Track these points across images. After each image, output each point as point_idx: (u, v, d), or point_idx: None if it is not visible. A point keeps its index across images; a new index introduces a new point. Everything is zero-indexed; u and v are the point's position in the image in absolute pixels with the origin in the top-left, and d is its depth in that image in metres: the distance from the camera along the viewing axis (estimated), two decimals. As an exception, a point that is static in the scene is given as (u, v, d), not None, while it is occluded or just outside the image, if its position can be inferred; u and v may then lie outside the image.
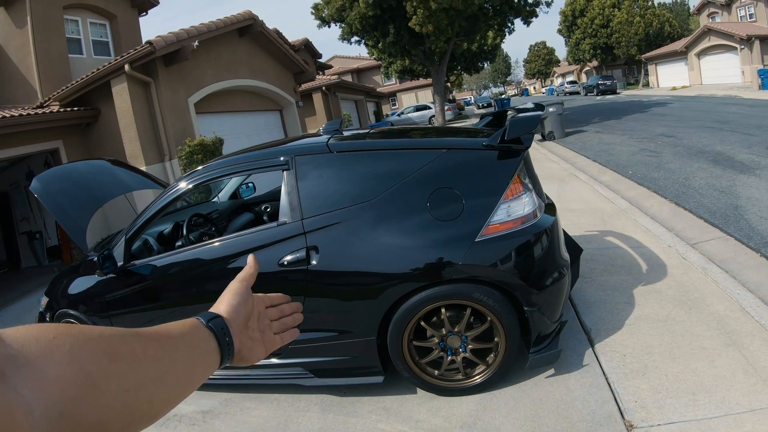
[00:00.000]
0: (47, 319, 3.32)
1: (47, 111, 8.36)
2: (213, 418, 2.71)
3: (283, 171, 2.44)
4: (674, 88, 27.39)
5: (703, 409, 2.00)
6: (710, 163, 6.72)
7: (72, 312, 3.16)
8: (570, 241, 2.99)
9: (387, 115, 28.37)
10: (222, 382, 2.84)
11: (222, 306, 0.66)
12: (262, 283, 2.61)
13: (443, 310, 2.27)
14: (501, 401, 2.31)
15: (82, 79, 8.76)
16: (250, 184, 4.47)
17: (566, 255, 2.45)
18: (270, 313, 0.73)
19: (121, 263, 2.83)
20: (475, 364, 2.37)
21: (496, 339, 2.30)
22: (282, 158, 2.46)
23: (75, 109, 8.88)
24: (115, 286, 2.89)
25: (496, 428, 2.15)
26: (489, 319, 2.25)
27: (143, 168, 7.91)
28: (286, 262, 2.35)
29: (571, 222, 4.80)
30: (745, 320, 2.60)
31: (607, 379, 2.31)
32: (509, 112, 2.60)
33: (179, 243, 3.26)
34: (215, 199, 4.46)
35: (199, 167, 2.76)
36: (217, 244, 2.58)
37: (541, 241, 2.26)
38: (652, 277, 3.31)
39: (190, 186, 2.66)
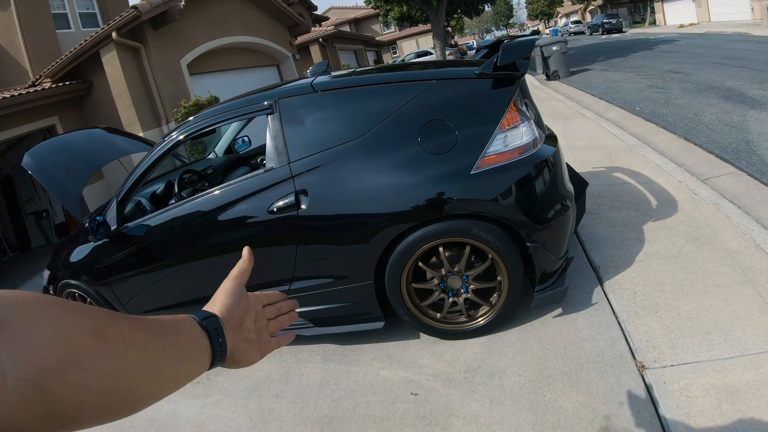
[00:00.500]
0: (51, 292, 3.29)
1: (39, 89, 8.25)
2: (216, 375, 2.69)
3: (267, 115, 2.31)
4: (681, 26, 26.19)
5: (717, 349, 1.91)
6: (720, 99, 6.42)
7: (74, 282, 3.13)
8: (575, 175, 2.84)
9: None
10: None
11: (216, 306, 0.63)
12: (254, 232, 2.45)
13: (441, 250, 2.16)
14: (507, 343, 2.24)
15: (71, 52, 8.60)
16: (246, 138, 4.32)
17: (570, 187, 2.30)
18: (267, 312, 0.71)
19: (115, 227, 2.75)
20: (478, 305, 2.29)
21: (498, 278, 2.20)
22: (266, 102, 2.32)
23: (67, 83, 8.76)
24: (112, 250, 2.84)
25: (502, 371, 2.08)
26: (490, 256, 2.14)
27: (141, 134, 7.81)
28: (276, 209, 2.22)
29: (577, 159, 4.64)
30: (759, 257, 2.47)
31: (617, 317, 2.22)
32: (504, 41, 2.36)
33: (172, 201, 3.14)
34: (210, 155, 4.27)
35: (185, 121, 2.61)
36: (205, 196, 2.46)
37: (542, 172, 2.12)
38: (662, 213, 3.17)
39: (180, 138, 2.53)
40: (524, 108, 2.19)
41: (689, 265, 2.50)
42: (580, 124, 6.29)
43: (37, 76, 9.18)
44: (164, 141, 2.59)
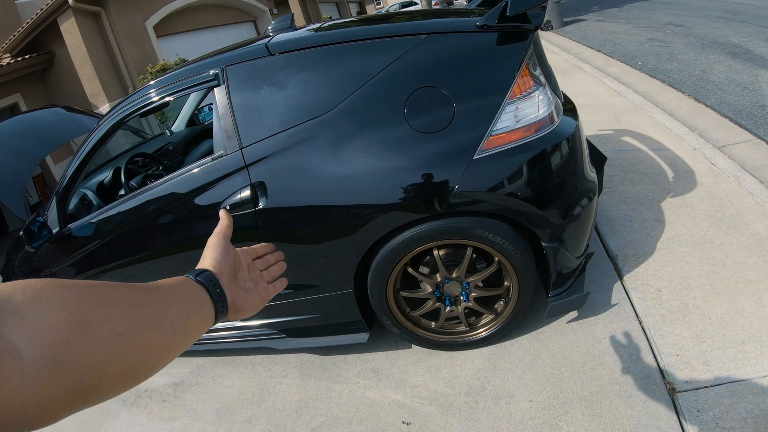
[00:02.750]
0: None
1: None
2: (184, 392, 2.35)
3: (213, 89, 1.83)
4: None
5: (754, 365, 1.59)
6: (727, 56, 5.95)
7: None
8: (593, 150, 2.40)
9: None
10: (191, 348, 2.42)
11: (207, 262, 0.64)
12: (209, 231, 1.98)
13: (436, 252, 1.76)
14: (514, 357, 1.90)
15: (28, 23, 7.99)
16: (212, 105, 3.75)
17: (593, 173, 1.89)
18: (257, 264, 0.73)
19: (57, 229, 2.33)
20: (481, 312, 1.93)
21: (506, 283, 1.84)
22: (211, 72, 1.85)
23: (26, 57, 8.16)
24: (59, 255, 2.41)
25: (509, 394, 1.75)
26: (497, 260, 1.76)
27: (107, 105, 7.16)
28: (229, 207, 1.78)
29: (580, 119, 4.19)
30: (790, 245, 2.15)
31: (641, 324, 1.88)
32: None
33: (121, 192, 2.69)
34: (167, 132, 3.75)
35: (120, 101, 2.12)
36: (150, 191, 2.04)
37: (561, 154, 1.67)
38: (681, 188, 2.80)
39: (113, 122, 2.07)
40: (537, 72, 1.74)
41: (717, 255, 2.17)
42: (580, 80, 5.80)
43: (-5, 53, 8.49)
44: (98, 126, 2.13)
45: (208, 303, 0.57)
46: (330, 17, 18.00)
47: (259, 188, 1.75)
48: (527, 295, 1.81)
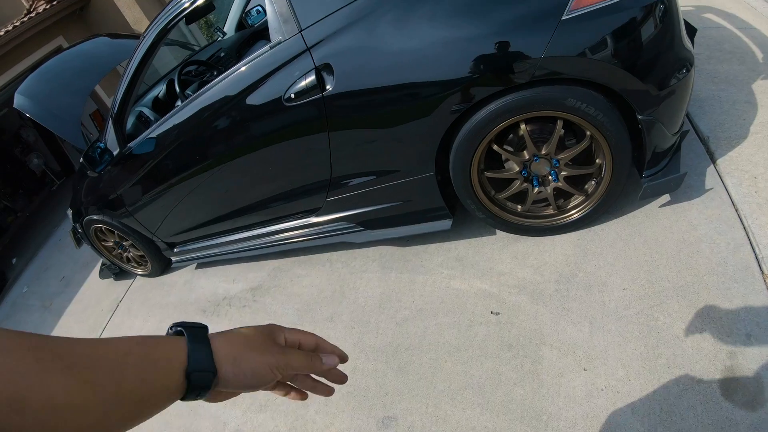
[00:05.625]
0: (80, 231, 3.14)
1: (34, 14, 7.67)
2: (263, 295, 2.41)
3: None
4: None
5: None
6: None
7: (96, 217, 2.88)
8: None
9: None
10: (266, 251, 2.46)
11: (229, 365, 0.47)
12: (273, 128, 1.80)
13: (523, 126, 1.60)
14: (605, 242, 1.75)
15: None
16: (260, 8, 3.57)
17: (689, 41, 1.62)
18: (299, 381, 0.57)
19: (117, 150, 2.35)
20: (570, 194, 1.78)
21: (598, 161, 1.67)
22: None
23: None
24: (123, 176, 2.46)
25: (602, 282, 1.62)
26: (589, 134, 1.59)
27: None
28: (293, 95, 1.68)
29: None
30: None
31: (737, 211, 1.65)
32: None
33: (178, 104, 2.66)
34: (219, 34, 3.64)
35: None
36: (205, 94, 1.96)
37: (656, 17, 1.42)
38: (771, 69, 2.42)
39: (159, 29, 1.98)
40: None
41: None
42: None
43: (30, 2, 8.34)
44: (143, 38, 2.04)
45: (174, 398, 0.44)
46: None
47: (324, 71, 1.62)
48: (621, 172, 1.65)
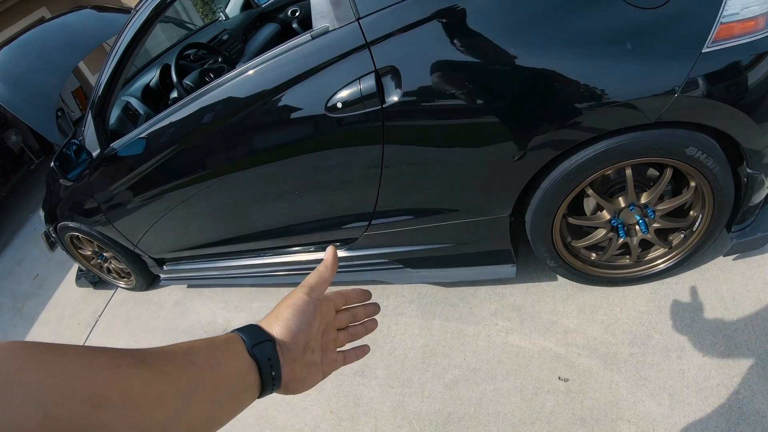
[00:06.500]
0: (53, 236, 2.66)
1: None
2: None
3: None
4: None
5: None
6: None
7: (72, 224, 2.42)
8: None
9: None
10: (277, 281, 2.08)
11: (277, 326, 0.46)
12: (307, 142, 1.35)
13: (629, 171, 1.30)
14: (681, 299, 1.50)
15: None
16: None
17: None
18: (339, 320, 0.54)
19: (97, 151, 1.93)
20: (651, 244, 1.52)
21: (693, 213, 1.41)
22: None
23: None
24: (103, 185, 2.03)
25: (680, 347, 1.39)
26: (693, 185, 1.32)
27: None
28: (340, 104, 1.30)
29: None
30: None
31: None
32: None
33: (173, 96, 2.21)
34: (220, 18, 3.21)
35: None
36: (213, 92, 1.56)
37: None
38: None
39: (155, 4, 1.57)
40: None
41: None
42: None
43: (14, -34, 7.58)
44: (135, 14, 1.63)
45: (253, 387, 0.42)
46: None
47: (386, 76, 1.24)
48: (717, 227, 1.41)
